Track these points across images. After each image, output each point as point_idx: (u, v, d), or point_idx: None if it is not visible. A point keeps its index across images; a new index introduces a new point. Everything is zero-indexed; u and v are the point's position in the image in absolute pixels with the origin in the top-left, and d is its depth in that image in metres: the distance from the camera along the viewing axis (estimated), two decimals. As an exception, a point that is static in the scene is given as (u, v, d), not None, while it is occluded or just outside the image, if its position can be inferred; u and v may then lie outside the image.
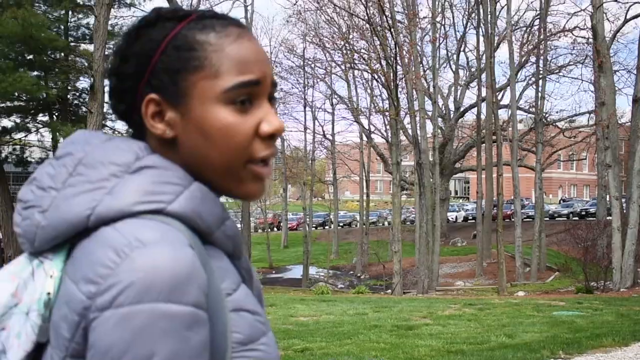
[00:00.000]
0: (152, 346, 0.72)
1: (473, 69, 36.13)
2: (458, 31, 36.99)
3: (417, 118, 22.57)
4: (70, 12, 20.24)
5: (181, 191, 0.84)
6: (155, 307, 0.73)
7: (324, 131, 38.32)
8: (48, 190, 0.85)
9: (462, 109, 38.53)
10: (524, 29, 33.85)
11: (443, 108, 40.72)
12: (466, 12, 35.38)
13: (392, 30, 21.24)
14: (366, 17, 20.79)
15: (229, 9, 27.33)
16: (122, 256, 0.75)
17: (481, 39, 26.66)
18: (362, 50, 22.46)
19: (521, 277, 25.63)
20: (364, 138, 34.85)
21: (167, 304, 0.73)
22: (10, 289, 0.84)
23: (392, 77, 20.36)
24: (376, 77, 22.28)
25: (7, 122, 21.93)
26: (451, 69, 40.90)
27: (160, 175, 0.84)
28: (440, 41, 31.69)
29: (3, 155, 23.04)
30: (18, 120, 21.48)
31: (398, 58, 21.12)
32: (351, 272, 34.30)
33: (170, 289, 0.74)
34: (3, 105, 21.60)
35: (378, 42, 20.92)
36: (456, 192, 71.18)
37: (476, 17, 30.17)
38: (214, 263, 0.84)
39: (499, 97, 38.06)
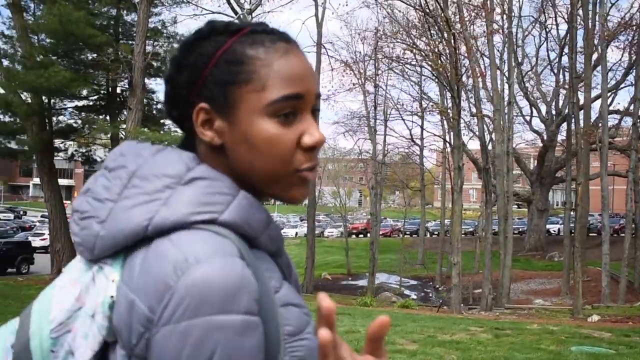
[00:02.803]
0: (210, 355, 0.78)
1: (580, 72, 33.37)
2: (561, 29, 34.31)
3: (488, 120, 20.69)
4: (115, 9, 20.13)
5: (231, 201, 0.89)
6: (209, 320, 0.78)
7: (412, 134, 36.63)
8: (105, 202, 0.90)
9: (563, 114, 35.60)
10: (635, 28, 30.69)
11: (546, 114, 38.08)
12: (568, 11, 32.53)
13: (459, 25, 19.60)
14: (427, 11, 19.18)
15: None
16: (179, 273, 0.80)
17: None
18: (422, 46, 20.80)
19: (607, 298, 22.95)
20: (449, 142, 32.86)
21: (220, 315, 0.79)
22: (73, 294, 0.90)
23: (454, 75, 18.63)
24: (438, 75, 20.51)
25: (70, 121, 22.13)
26: (552, 71, 38.16)
27: (211, 186, 0.90)
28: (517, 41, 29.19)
29: (69, 153, 23.38)
30: (79, 120, 21.65)
31: (464, 53, 19.43)
32: (430, 283, 32.47)
33: (222, 301, 0.79)
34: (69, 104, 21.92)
35: (438, 38, 19.25)
36: (563, 203, 66.53)
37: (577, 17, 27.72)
38: (262, 264, 0.90)
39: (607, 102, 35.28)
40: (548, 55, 36.57)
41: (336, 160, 44.20)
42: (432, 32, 19.09)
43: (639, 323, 16.85)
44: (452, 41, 18.08)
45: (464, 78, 21.28)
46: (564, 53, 34.71)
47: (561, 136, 37.56)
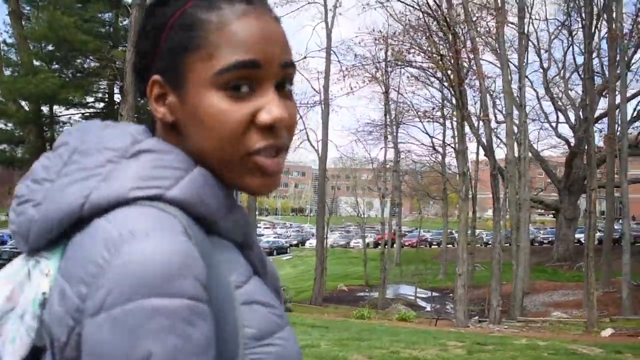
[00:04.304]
0: (150, 346, 0.66)
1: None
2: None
3: (494, 124, 19.81)
4: (111, 15, 19.93)
5: (182, 176, 0.80)
6: (147, 304, 0.67)
7: (433, 143, 35.76)
8: (42, 182, 0.81)
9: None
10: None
11: (574, 118, 36.81)
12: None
13: (464, 24, 18.87)
14: (424, 9, 18.46)
15: None
16: (112, 251, 0.70)
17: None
18: (424, 47, 20.03)
19: (627, 310, 21.75)
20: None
21: (160, 298, 0.67)
22: (4, 293, 0.80)
23: (457, 78, 17.87)
24: (438, 76, 19.73)
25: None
26: (579, 75, 36.87)
27: (160, 160, 0.80)
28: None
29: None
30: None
31: (469, 55, 18.67)
32: (450, 295, 31.46)
33: (162, 282, 0.68)
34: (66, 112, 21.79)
35: (439, 38, 18.50)
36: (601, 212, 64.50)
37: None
38: (220, 254, 0.81)
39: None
40: (574, 60, 35.40)
41: (354, 170, 43.44)
42: (432, 32, 18.35)
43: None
44: (454, 41, 17.34)
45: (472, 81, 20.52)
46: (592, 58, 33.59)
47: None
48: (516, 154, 21.59)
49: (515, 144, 21.52)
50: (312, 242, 48.56)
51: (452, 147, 27.26)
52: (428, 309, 26.93)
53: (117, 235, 0.71)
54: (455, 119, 30.74)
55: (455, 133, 26.46)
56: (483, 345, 10.65)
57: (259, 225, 77.71)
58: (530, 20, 37.49)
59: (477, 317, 23.73)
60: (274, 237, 59.36)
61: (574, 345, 11.09)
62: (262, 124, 0.81)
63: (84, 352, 0.69)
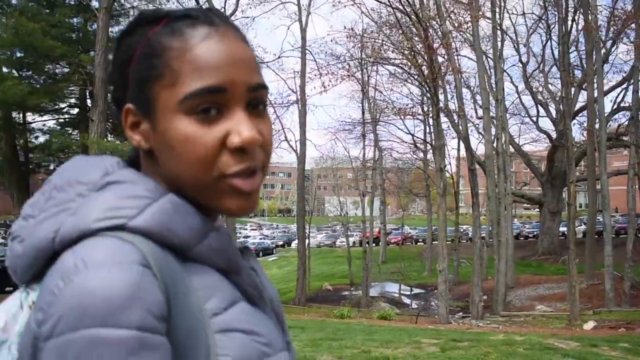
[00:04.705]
0: None
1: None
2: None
3: (474, 118, 19.68)
4: (80, 20, 19.64)
5: (147, 204, 0.79)
6: (91, 333, 0.68)
7: (414, 140, 35.68)
8: (28, 219, 0.83)
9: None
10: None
11: (554, 112, 36.78)
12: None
13: (435, 19, 18.74)
14: (395, 5, 18.30)
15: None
16: (66, 281, 0.71)
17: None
18: (395, 42, 19.85)
19: (611, 302, 21.71)
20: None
21: (106, 328, 0.68)
22: (0, 324, 0.83)
23: (431, 73, 17.72)
24: (413, 73, 19.55)
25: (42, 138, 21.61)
26: (557, 68, 36.86)
27: (126, 190, 0.80)
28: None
29: (51, 167, 22.92)
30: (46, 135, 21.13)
31: (442, 50, 18.53)
32: (435, 291, 31.34)
33: (109, 312, 0.69)
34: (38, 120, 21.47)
35: (410, 33, 18.35)
36: (580, 205, 64.64)
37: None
38: (198, 280, 0.80)
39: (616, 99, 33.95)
40: (553, 54, 35.26)
41: (336, 169, 43.24)
42: (403, 28, 18.18)
43: (637, 328, 15.79)
44: (425, 37, 17.20)
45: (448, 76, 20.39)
46: (568, 51, 33.51)
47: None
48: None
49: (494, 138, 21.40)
50: (296, 243, 48.41)
51: (430, 144, 27.14)
52: (413, 306, 26.79)
53: (73, 265, 0.72)
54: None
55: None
56: (458, 342, 10.51)
57: (245, 227, 77.55)
58: (508, 15, 37.54)
59: (461, 313, 23.63)
60: (260, 239, 59.12)
61: (550, 340, 10.97)
62: (233, 147, 0.80)
63: None
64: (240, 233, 69.50)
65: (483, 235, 42.71)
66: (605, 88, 36.16)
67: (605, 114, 35.41)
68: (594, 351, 9.50)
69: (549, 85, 37.79)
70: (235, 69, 0.81)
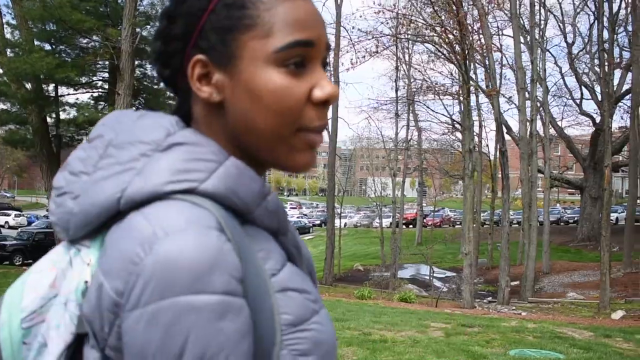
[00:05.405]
0: (182, 342, 0.69)
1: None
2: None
3: (515, 99, 19.09)
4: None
5: (215, 168, 0.80)
6: (179, 301, 0.69)
7: (452, 120, 35.00)
8: (79, 175, 0.83)
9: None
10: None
11: (600, 95, 35.57)
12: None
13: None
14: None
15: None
16: (147, 249, 0.72)
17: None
18: (426, 18, 19.34)
19: (645, 291, 21.02)
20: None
21: (192, 295, 0.70)
22: (48, 280, 0.83)
23: (462, 50, 17.24)
24: (445, 51, 19.03)
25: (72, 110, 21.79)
26: (604, 49, 35.61)
27: (193, 152, 0.81)
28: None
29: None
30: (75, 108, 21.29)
31: (474, 27, 18.01)
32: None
33: (194, 279, 0.70)
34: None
35: (440, 8, 17.83)
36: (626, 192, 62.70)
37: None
38: (255, 243, 0.81)
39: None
40: (601, 35, 34.09)
41: (371, 149, 42.79)
42: (433, 3, 17.68)
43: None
44: (456, 13, 16.71)
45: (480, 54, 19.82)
46: (617, 31, 32.24)
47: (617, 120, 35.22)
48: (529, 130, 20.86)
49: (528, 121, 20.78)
50: (336, 222, 48.35)
51: (460, 124, 26.64)
52: (444, 289, 26.44)
53: (151, 233, 0.73)
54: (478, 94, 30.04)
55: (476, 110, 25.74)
56: (468, 327, 10.24)
57: (285, 205, 77.87)
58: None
59: (490, 298, 23.21)
60: (297, 217, 59.29)
61: (565, 329, 10.59)
62: (318, 100, 0.83)
63: (124, 343, 0.72)
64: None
65: (513, 219, 42.06)
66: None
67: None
68: (604, 342, 9.12)
69: (595, 68, 36.60)
70: (320, 27, 0.85)
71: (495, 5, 21.90)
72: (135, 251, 0.72)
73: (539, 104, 28.45)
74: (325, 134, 0.92)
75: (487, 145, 32.45)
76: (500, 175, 21.91)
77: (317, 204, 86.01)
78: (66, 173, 0.85)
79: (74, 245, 0.84)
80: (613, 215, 42.67)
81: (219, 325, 0.70)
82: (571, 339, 9.32)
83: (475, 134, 32.73)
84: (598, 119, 34.80)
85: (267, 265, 0.81)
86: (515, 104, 30.34)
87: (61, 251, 0.85)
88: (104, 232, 0.80)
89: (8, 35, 20.51)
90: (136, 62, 18.61)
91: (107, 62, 19.97)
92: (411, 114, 34.64)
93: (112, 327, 0.74)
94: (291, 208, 75.50)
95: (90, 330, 0.77)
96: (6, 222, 46.60)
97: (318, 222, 60.21)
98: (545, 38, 32.66)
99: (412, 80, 30.62)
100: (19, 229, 35.08)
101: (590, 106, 37.85)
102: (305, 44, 0.82)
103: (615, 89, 33.44)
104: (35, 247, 26.95)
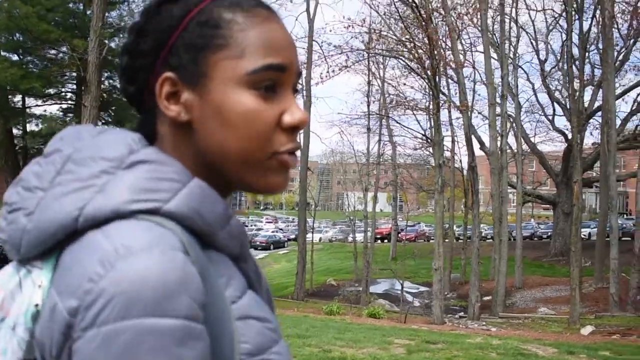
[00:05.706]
0: None
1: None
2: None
3: (488, 114, 19.15)
4: (79, 4, 19.45)
5: (179, 188, 0.77)
6: (140, 323, 0.66)
7: (425, 135, 35.10)
8: (34, 190, 0.78)
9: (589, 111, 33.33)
10: None
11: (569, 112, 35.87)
12: None
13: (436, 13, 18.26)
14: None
15: None
16: (107, 267, 0.68)
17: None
18: (395, 35, 19.38)
19: (615, 307, 21.05)
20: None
21: (154, 318, 0.66)
22: None
23: (431, 65, 17.26)
24: (415, 65, 19.06)
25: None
26: (575, 66, 36.00)
27: (156, 171, 0.78)
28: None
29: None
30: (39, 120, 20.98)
31: (446, 42, 18.06)
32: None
33: (157, 301, 0.66)
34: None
35: (410, 23, 17.87)
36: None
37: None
38: (216, 268, 0.79)
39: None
40: (571, 52, 34.51)
41: (344, 164, 42.80)
42: (403, 19, 17.72)
43: (634, 335, 15.22)
44: (426, 28, 16.74)
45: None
46: (588, 49, 32.56)
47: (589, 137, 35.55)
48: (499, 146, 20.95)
49: (498, 135, 20.89)
50: (310, 237, 48.19)
51: (430, 139, 26.70)
52: (416, 304, 26.34)
53: (113, 250, 0.69)
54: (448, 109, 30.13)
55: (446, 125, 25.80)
56: (432, 343, 10.12)
57: (260, 219, 77.43)
58: (527, 11, 36.65)
59: (462, 313, 23.16)
60: (272, 232, 58.99)
61: (529, 345, 10.51)
62: (287, 126, 0.82)
63: None
64: (255, 225, 69.53)
65: (487, 234, 42.10)
66: (626, 87, 35.46)
67: (624, 114, 34.74)
68: (567, 359, 9.05)
69: (567, 84, 36.97)
70: (293, 52, 0.84)
71: (465, 22, 22.02)
72: (94, 269, 0.68)
73: (511, 120, 28.63)
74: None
75: (461, 160, 32.44)
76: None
77: (293, 218, 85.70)
78: (19, 188, 0.80)
79: (24, 266, 0.79)
80: (585, 231, 43.03)
81: (177, 352, 0.66)
82: (534, 356, 9.25)
83: (447, 149, 32.90)
84: (570, 135, 35.15)
85: (228, 291, 0.78)
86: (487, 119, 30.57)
87: (10, 272, 0.80)
88: (58, 252, 0.76)
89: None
90: (105, 74, 18.41)
91: (74, 74, 19.73)
92: (385, 129, 34.68)
93: (62, 350, 0.69)
94: (267, 222, 75.14)
95: (39, 355, 0.73)
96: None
97: (293, 236, 59.89)
98: (517, 55, 32.97)
99: (386, 95, 30.68)
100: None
101: (562, 122, 38.12)
102: (278, 68, 0.81)
103: (587, 105, 33.87)
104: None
